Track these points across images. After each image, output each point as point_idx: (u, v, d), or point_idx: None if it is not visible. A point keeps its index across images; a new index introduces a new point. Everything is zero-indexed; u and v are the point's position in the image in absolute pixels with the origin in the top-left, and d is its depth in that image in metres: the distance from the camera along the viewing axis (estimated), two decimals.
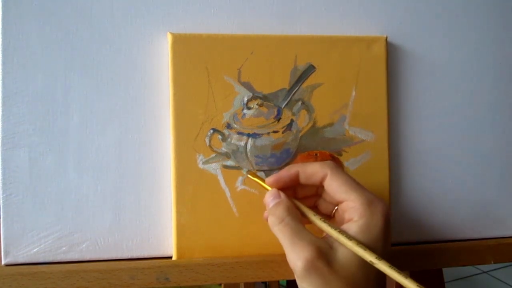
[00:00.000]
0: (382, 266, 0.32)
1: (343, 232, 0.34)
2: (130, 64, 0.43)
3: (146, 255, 0.43)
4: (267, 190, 0.39)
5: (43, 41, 0.42)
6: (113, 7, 0.43)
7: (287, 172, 0.38)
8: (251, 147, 0.43)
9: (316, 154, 0.45)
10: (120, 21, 0.43)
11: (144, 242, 0.43)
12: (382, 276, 0.34)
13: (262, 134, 0.43)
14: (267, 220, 0.38)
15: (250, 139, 0.43)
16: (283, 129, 0.44)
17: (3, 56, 0.41)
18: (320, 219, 0.36)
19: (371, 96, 0.45)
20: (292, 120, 0.44)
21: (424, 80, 0.48)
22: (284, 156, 0.44)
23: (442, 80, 0.48)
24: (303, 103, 0.44)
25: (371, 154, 0.45)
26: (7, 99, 0.41)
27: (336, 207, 0.38)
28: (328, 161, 0.38)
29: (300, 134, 0.44)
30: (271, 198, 0.37)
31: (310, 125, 0.44)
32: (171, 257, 0.43)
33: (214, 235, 0.43)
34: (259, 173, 0.43)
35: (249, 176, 0.42)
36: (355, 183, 0.36)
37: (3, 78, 0.41)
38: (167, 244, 0.43)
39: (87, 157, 0.42)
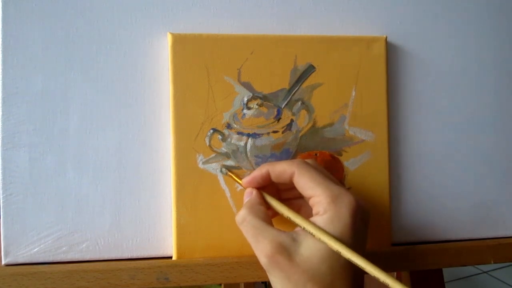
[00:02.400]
0: (346, 254, 0.32)
1: (307, 221, 0.34)
2: (130, 64, 0.43)
3: (146, 255, 0.43)
4: (243, 187, 0.41)
5: (43, 41, 0.42)
6: (113, 7, 0.43)
7: (259, 172, 0.39)
8: (251, 147, 0.43)
9: (316, 154, 0.45)
10: (120, 21, 0.43)
11: (144, 242, 0.43)
12: (350, 269, 0.34)
13: (262, 134, 0.43)
14: None
15: (250, 139, 0.43)
16: (283, 129, 0.44)
17: (3, 56, 0.41)
18: (286, 209, 0.37)
19: (371, 96, 0.45)
20: (292, 120, 0.44)
21: (424, 80, 0.48)
22: (284, 156, 0.44)
23: (442, 80, 0.48)
24: (303, 103, 0.44)
25: (371, 154, 0.45)
26: (7, 99, 0.41)
27: None
28: (297, 159, 0.39)
29: (300, 134, 0.44)
30: (245, 195, 0.39)
31: (310, 125, 0.44)
32: (171, 257, 0.43)
33: (214, 235, 0.43)
34: None
35: (229, 174, 0.43)
36: (322, 178, 0.36)
37: (3, 78, 0.41)
38: (167, 244, 0.43)
39: (87, 157, 0.42)
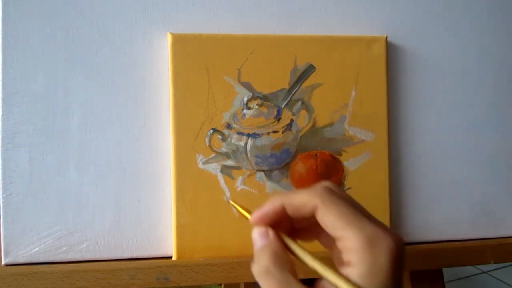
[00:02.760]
0: None
1: (338, 276, 0.28)
2: (130, 64, 0.43)
3: (146, 255, 0.43)
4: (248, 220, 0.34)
5: (43, 41, 0.42)
6: (113, 7, 0.43)
7: (271, 206, 0.32)
8: (251, 147, 0.43)
9: (316, 154, 0.45)
10: (120, 21, 0.43)
11: (144, 242, 0.43)
12: None
13: (262, 134, 0.43)
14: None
15: (250, 139, 0.43)
16: (283, 129, 0.44)
17: (3, 56, 0.41)
18: (312, 258, 0.30)
19: (371, 96, 0.45)
20: (292, 120, 0.44)
21: (424, 80, 0.48)
22: (284, 156, 0.44)
23: (442, 80, 0.48)
24: (303, 103, 0.44)
25: (371, 154, 0.45)
26: (7, 99, 0.41)
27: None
28: (319, 188, 0.31)
29: (300, 134, 0.44)
30: (257, 238, 0.32)
31: (310, 125, 0.44)
32: (171, 257, 0.43)
33: (214, 235, 0.43)
34: (258, 173, 0.43)
35: (232, 205, 0.38)
36: (353, 214, 0.29)
37: (3, 78, 0.41)
38: (167, 244, 0.43)
39: (87, 157, 0.42)
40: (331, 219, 0.29)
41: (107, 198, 0.43)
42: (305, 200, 0.30)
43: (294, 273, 0.30)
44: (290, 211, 0.31)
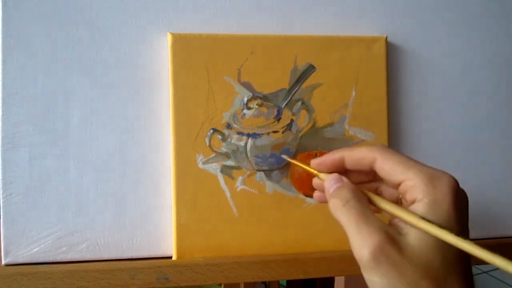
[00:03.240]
0: (463, 244, 0.27)
1: (413, 213, 0.29)
2: (130, 64, 0.43)
3: (146, 255, 0.43)
4: (313, 173, 0.36)
5: (43, 41, 0.42)
6: (113, 7, 0.43)
7: (330, 156, 0.34)
8: (251, 147, 0.43)
9: (316, 154, 0.45)
10: (120, 21, 0.43)
11: (144, 242, 0.43)
12: (462, 261, 0.29)
13: (262, 134, 0.43)
14: (319, 201, 0.36)
15: (250, 139, 0.43)
16: (283, 129, 0.44)
17: (3, 56, 0.41)
18: (387, 202, 0.32)
19: (371, 96, 0.45)
20: (292, 120, 0.44)
21: (424, 80, 0.48)
22: None
23: (442, 80, 0.48)
24: (303, 103, 0.44)
25: None
26: (7, 99, 0.41)
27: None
28: (378, 145, 0.34)
29: (300, 134, 0.44)
30: (332, 182, 0.33)
31: (310, 125, 0.44)
32: (171, 257, 0.43)
33: (214, 235, 0.43)
34: (258, 173, 0.43)
35: (288, 159, 0.40)
36: (411, 161, 0.31)
37: (3, 78, 0.41)
38: (167, 244, 0.43)
39: (87, 157, 0.42)
40: (391, 167, 0.31)
41: (107, 198, 0.43)
42: (365, 153, 0.32)
43: (369, 207, 0.31)
44: (349, 163, 0.33)
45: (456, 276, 0.29)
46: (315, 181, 0.36)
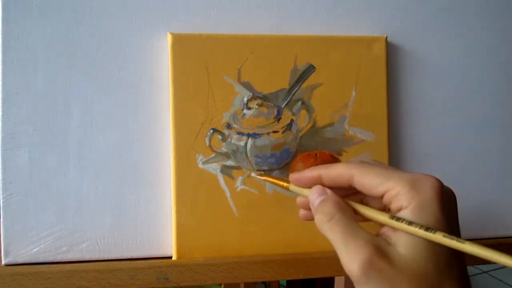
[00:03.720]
0: (456, 244, 0.27)
1: (402, 218, 0.29)
2: (130, 64, 0.43)
3: (146, 255, 0.43)
4: (283, 186, 0.36)
5: (43, 41, 0.42)
6: (113, 7, 0.43)
7: (309, 173, 0.34)
8: (251, 147, 0.43)
9: (316, 154, 0.45)
10: (120, 21, 0.43)
11: (144, 242, 0.43)
12: (456, 265, 0.29)
13: (262, 134, 0.43)
14: (304, 219, 0.35)
15: (250, 139, 0.43)
16: (283, 129, 0.44)
17: (3, 56, 0.41)
18: (374, 210, 0.31)
19: (371, 96, 0.45)
20: (292, 120, 0.44)
21: (424, 80, 0.48)
22: (284, 156, 0.44)
23: (442, 80, 0.48)
24: (303, 103, 0.44)
25: (371, 154, 0.45)
26: (7, 99, 0.41)
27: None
28: (353, 160, 0.34)
29: (300, 134, 0.44)
30: (315, 195, 0.33)
31: (310, 125, 0.44)
32: (171, 257, 0.43)
33: (214, 235, 0.43)
34: (258, 173, 0.43)
35: (258, 178, 0.40)
36: (390, 170, 0.31)
37: (3, 78, 0.41)
38: (167, 244, 0.43)
39: (87, 157, 0.42)
40: (370, 181, 0.31)
41: (107, 198, 0.43)
42: (341, 171, 0.32)
43: (355, 221, 0.31)
44: (327, 181, 0.33)
45: (450, 281, 0.28)
46: (298, 200, 0.35)
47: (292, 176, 0.35)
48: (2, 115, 0.41)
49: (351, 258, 0.28)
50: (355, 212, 0.32)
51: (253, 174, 0.42)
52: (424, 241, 0.28)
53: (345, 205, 0.32)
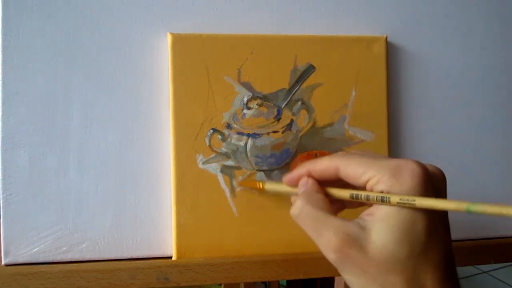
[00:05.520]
0: (424, 202, 0.27)
1: (358, 194, 0.30)
2: (130, 64, 0.43)
3: (146, 255, 0.43)
4: (259, 187, 0.39)
5: (43, 41, 0.42)
6: (113, 7, 0.43)
7: (298, 172, 0.35)
8: (251, 147, 0.43)
9: (316, 154, 0.45)
10: (120, 21, 0.43)
11: (144, 242, 0.43)
12: (435, 249, 0.29)
13: (262, 134, 0.43)
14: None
15: (250, 139, 0.43)
16: (283, 129, 0.44)
17: (3, 56, 0.41)
18: (348, 192, 0.32)
19: (371, 96, 0.45)
20: (292, 120, 0.44)
21: (424, 80, 0.48)
22: (284, 156, 0.44)
23: (442, 80, 0.48)
24: (303, 103, 0.44)
25: None
26: (7, 99, 0.41)
27: None
28: (339, 152, 0.35)
29: (300, 134, 0.44)
30: (299, 188, 0.34)
31: (310, 125, 0.44)
32: (171, 257, 0.43)
33: (214, 235, 0.43)
34: (258, 173, 0.43)
35: (242, 186, 0.42)
36: (371, 158, 0.31)
37: (3, 78, 0.41)
38: (167, 244, 0.43)
39: (87, 157, 0.42)
40: (354, 170, 0.31)
41: (107, 198, 0.43)
42: (327, 163, 0.33)
43: (329, 210, 0.31)
44: (316, 175, 0.34)
45: (427, 266, 0.28)
46: (292, 199, 0.36)
47: (284, 178, 0.36)
48: (2, 115, 0.41)
49: (325, 248, 0.29)
50: (327, 195, 0.33)
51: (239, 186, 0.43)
52: (397, 225, 0.28)
53: (316, 195, 0.33)
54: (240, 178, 0.43)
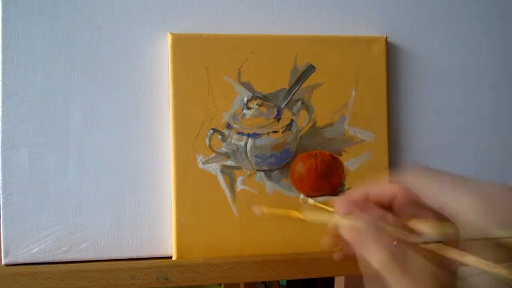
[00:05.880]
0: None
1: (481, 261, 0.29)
2: (130, 64, 0.43)
3: (146, 255, 0.43)
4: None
5: (43, 41, 0.42)
6: (113, 8, 0.43)
7: (357, 194, 0.34)
8: (251, 147, 0.43)
9: (316, 154, 0.45)
10: (120, 21, 0.43)
11: (144, 242, 0.43)
12: None
13: (262, 134, 0.43)
14: (340, 261, 0.36)
15: (250, 139, 0.43)
16: (283, 129, 0.44)
17: (3, 56, 0.41)
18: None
19: (371, 96, 0.45)
20: (292, 120, 0.44)
21: (424, 80, 0.48)
22: (284, 156, 0.44)
23: (442, 80, 0.48)
24: (303, 103, 0.44)
25: (371, 154, 0.45)
26: (7, 99, 0.41)
27: None
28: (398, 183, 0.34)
29: (300, 134, 0.44)
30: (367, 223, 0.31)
31: (310, 125, 0.44)
32: (171, 257, 0.43)
33: (214, 235, 0.43)
34: (258, 173, 0.43)
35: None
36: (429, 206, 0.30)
37: (3, 78, 0.41)
38: (167, 244, 0.43)
39: (87, 157, 0.42)
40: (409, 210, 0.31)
41: (107, 198, 0.43)
42: (388, 189, 0.33)
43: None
44: (373, 197, 0.33)
45: None
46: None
47: (339, 205, 0.34)
48: (2, 115, 0.41)
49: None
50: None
51: (309, 201, 0.41)
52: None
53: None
54: (239, 178, 0.43)
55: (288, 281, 1.15)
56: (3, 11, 0.41)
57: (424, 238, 0.30)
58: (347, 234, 0.32)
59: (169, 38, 0.42)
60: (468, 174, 0.48)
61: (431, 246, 0.29)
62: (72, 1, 0.42)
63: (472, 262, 0.28)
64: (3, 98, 0.41)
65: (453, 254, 0.28)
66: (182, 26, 0.44)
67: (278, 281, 1.07)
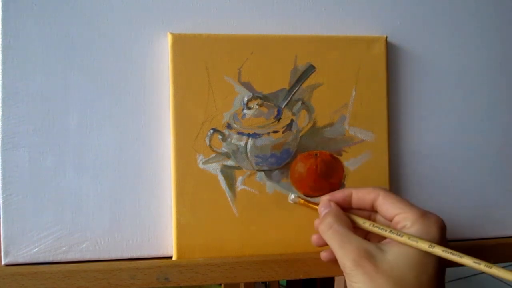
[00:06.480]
0: (437, 251, 0.33)
1: (394, 230, 0.36)
2: (130, 64, 0.43)
3: (146, 255, 0.43)
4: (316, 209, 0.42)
5: (43, 41, 0.42)
6: (113, 7, 0.43)
7: (341, 193, 0.41)
8: (251, 147, 0.43)
9: (316, 154, 0.45)
10: (120, 21, 0.43)
11: (144, 242, 0.43)
12: (437, 283, 0.34)
13: (262, 134, 0.43)
14: (317, 229, 0.40)
15: (250, 139, 0.43)
16: (283, 129, 0.44)
17: (3, 56, 0.41)
18: (370, 224, 0.38)
19: (371, 96, 0.45)
20: (292, 120, 0.44)
21: (424, 80, 0.48)
22: (284, 156, 0.44)
23: (442, 80, 0.48)
24: (303, 103, 0.44)
25: (371, 154, 0.45)
26: (7, 99, 0.41)
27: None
28: (378, 187, 0.40)
29: (300, 134, 0.44)
30: (322, 208, 0.40)
31: (310, 125, 0.44)
32: (171, 257, 0.43)
33: (214, 235, 0.43)
34: (258, 173, 0.43)
35: (301, 202, 0.43)
36: (406, 202, 0.37)
37: (3, 78, 0.41)
38: (167, 244, 0.43)
39: (87, 157, 0.42)
40: (392, 202, 0.37)
41: (106, 198, 0.43)
42: (370, 191, 0.39)
43: (352, 230, 0.37)
44: (355, 199, 0.40)
45: None
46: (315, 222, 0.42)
47: (326, 197, 0.41)
48: (2, 115, 0.41)
49: (345, 257, 0.35)
50: (354, 225, 0.39)
51: (292, 197, 0.44)
52: (410, 253, 0.34)
53: (344, 217, 0.39)
54: (240, 178, 0.43)
55: (288, 281, 1.15)
56: (3, 11, 0.41)
57: (400, 231, 0.36)
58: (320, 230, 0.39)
59: (169, 38, 0.42)
60: (468, 174, 0.49)
61: (404, 239, 0.35)
62: (72, 1, 0.42)
63: (469, 263, 0.32)
64: (3, 98, 0.41)
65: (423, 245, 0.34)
66: (182, 26, 0.44)
67: (278, 281, 1.07)
